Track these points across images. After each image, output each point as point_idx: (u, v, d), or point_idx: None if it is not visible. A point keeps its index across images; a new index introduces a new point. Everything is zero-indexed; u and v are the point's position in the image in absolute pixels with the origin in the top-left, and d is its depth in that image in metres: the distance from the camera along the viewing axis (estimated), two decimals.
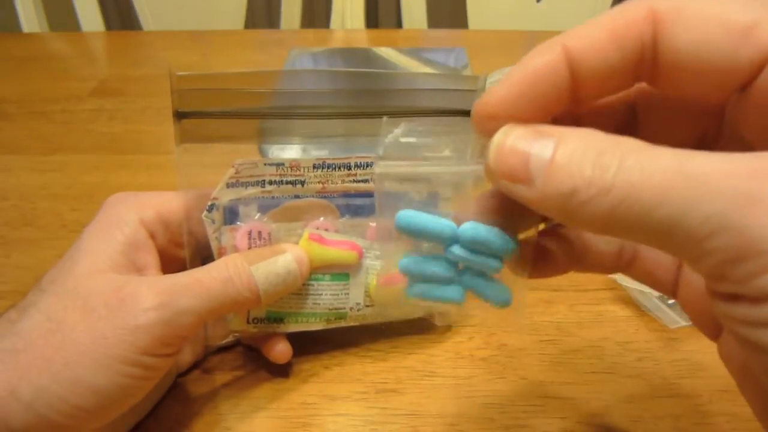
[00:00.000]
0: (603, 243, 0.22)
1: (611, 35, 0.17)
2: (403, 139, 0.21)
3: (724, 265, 0.14)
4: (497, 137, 0.17)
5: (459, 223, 0.20)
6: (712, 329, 0.21)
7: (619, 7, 0.17)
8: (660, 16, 0.16)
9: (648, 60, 0.17)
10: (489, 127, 0.18)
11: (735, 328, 0.15)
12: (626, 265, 0.22)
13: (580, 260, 0.22)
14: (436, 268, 0.20)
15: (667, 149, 0.15)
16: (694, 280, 0.21)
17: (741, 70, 0.16)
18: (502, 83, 0.18)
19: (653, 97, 0.20)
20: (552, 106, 0.18)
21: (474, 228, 0.19)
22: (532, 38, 0.84)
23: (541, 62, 0.18)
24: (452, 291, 0.21)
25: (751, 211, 0.13)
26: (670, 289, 0.22)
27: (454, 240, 0.20)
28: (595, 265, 0.22)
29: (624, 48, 0.17)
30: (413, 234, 0.20)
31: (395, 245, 0.21)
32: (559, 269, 0.22)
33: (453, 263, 0.21)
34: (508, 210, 0.20)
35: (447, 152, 0.21)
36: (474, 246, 0.20)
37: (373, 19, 1.47)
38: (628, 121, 0.21)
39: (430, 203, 0.21)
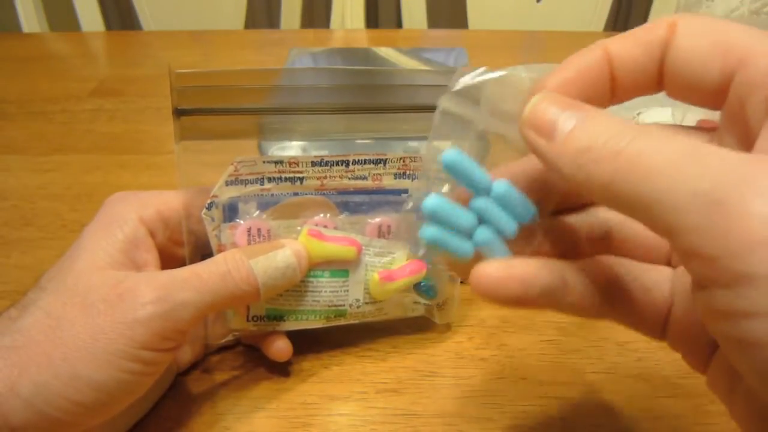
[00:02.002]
0: (582, 284, 0.21)
1: (641, 39, 0.19)
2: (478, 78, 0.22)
3: (698, 244, 0.14)
4: (537, 96, 0.19)
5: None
6: (701, 364, 0.21)
7: (652, 21, 0.20)
8: (677, 26, 0.19)
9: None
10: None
11: (714, 325, 0.16)
12: (617, 308, 0.22)
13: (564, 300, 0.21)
14: (462, 214, 0.21)
15: (683, 136, 0.16)
16: (683, 317, 0.21)
17: (713, 80, 0.18)
18: (552, 76, 0.20)
19: None
20: (593, 102, 0.20)
21: (508, 185, 0.21)
22: (532, 38, 0.84)
23: (586, 61, 0.20)
24: (463, 244, 0.21)
25: (739, 190, 0.14)
26: (659, 331, 0.22)
27: (485, 193, 0.21)
28: (582, 310, 0.21)
29: (650, 52, 0.19)
30: (455, 171, 0.20)
31: (427, 182, 0.22)
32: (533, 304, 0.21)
33: (475, 220, 0.21)
34: (531, 188, 0.21)
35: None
36: (501, 202, 0.20)
37: (373, 19, 1.47)
38: None
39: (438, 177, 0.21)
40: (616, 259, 0.22)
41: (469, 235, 0.21)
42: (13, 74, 0.70)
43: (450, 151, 0.20)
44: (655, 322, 0.22)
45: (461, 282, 0.37)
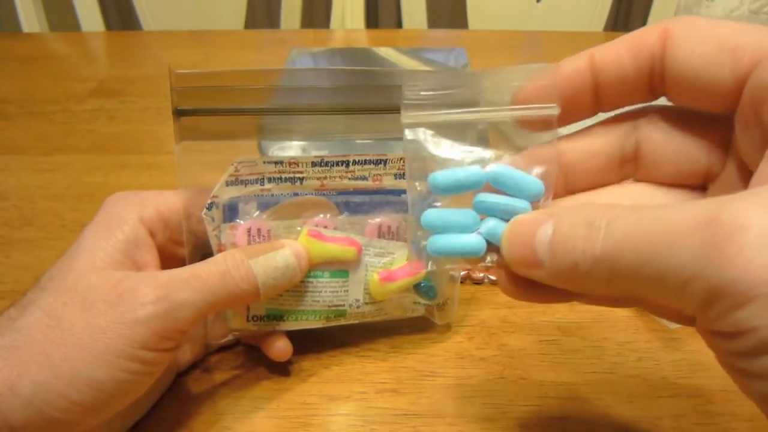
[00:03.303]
0: None
1: (628, 46, 0.20)
2: (423, 93, 0.22)
3: (702, 307, 0.16)
4: (506, 231, 0.20)
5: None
6: None
7: (642, 27, 0.20)
8: (671, 33, 0.19)
9: (658, 72, 0.19)
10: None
11: (724, 360, 0.17)
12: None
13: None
14: (459, 214, 0.21)
15: (650, 207, 0.17)
16: None
17: (724, 83, 0.18)
18: (533, 83, 0.21)
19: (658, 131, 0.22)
20: (578, 106, 0.21)
21: (500, 166, 0.21)
22: (532, 38, 0.84)
23: (571, 68, 0.20)
24: (473, 241, 0.21)
25: (714, 258, 0.15)
26: (689, 318, 0.22)
27: (481, 185, 0.21)
28: (604, 298, 0.22)
29: (638, 58, 0.19)
30: (448, 188, 0.21)
31: (420, 207, 0.22)
32: (562, 297, 0.22)
33: (476, 214, 0.21)
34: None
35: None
36: (502, 185, 0.21)
37: (373, 19, 1.47)
38: None
39: (428, 196, 0.21)
40: None
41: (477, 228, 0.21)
42: (13, 74, 0.70)
43: (435, 175, 0.21)
44: (680, 312, 0.22)
45: (461, 282, 0.37)
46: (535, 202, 0.21)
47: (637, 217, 0.17)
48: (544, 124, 0.21)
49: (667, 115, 0.21)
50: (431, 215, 0.21)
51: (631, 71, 0.20)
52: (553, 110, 0.20)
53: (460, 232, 0.21)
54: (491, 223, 0.21)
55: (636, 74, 0.20)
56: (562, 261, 0.18)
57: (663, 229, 0.16)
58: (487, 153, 0.22)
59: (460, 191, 0.21)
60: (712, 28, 0.18)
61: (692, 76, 0.19)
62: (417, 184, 0.22)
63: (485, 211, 0.21)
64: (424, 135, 0.22)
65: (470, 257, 0.21)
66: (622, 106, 0.22)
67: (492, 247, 0.21)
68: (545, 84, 0.21)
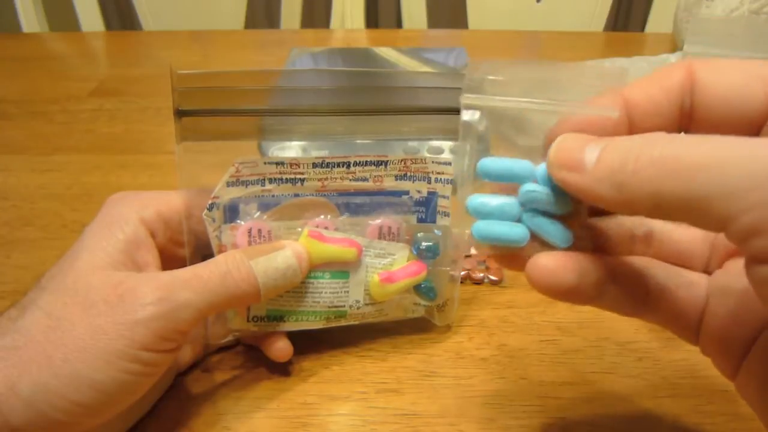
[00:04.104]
0: (631, 279, 0.22)
1: (658, 84, 0.20)
2: (491, 77, 0.22)
3: (760, 221, 0.15)
4: (560, 137, 0.20)
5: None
6: (731, 369, 0.22)
7: (665, 67, 0.21)
8: (695, 68, 0.20)
9: (687, 106, 0.20)
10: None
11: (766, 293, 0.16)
12: (654, 306, 0.22)
13: (608, 296, 0.22)
14: (506, 201, 0.22)
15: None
16: (716, 320, 0.22)
17: (756, 104, 0.19)
18: (570, 120, 0.21)
19: None
20: None
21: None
22: (532, 38, 0.84)
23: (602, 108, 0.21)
24: (517, 230, 0.21)
25: None
26: (693, 332, 0.23)
27: (530, 179, 0.21)
28: (624, 306, 0.22)
29: (669, 93, 0.20)
30: (496, 175, 0.21)
31: (467, 188, 0.22)
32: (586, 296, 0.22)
33: (518, 204, 0.22)
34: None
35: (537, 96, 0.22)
36: (549, 183, 0.21)
37: (373, 19, 1.47)
38: None
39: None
40: (654, 260, 0.23)
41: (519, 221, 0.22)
42: (13, 74, 0.70)
43: (484, 161, 0.21)
44: (689, 323, 0.22)
45: (461, 283, 0.37)
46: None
47: (700, 137, 0.16)
48: (599, 129, 0.21)
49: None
50: (477, 198, 0.22)
51: (664, 105, 0.20)
52: (613, 113, 0.21)
53: (502, 219, 0.21)
54: (539, 219, 0.21)
55: (668, 109, 0.20)
56: (610, 161, 0.18)
57: (727, 143, 0.16)
58: (538, 142, 0.22)
59: (507, 181, 0.22)
60: (734, 62, 0.20)
61: (723, 105, 0.19)
62: (466, 165, 0.22)
63: (530, 202, 0.21)
64: (480, 117, 0.22)
65: (514, 245, 0.22)
66: None
67: (534, 237, 0.22)
68: (578, 122, 0.21)
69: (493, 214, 0.21)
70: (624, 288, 0.22)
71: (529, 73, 0.23)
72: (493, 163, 0.22)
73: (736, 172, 0.15)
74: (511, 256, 0.22)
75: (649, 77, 0.21)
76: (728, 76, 0.19)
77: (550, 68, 0.23)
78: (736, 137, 0.16)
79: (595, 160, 0.18)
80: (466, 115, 0.22)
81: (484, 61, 0.23)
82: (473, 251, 0.23)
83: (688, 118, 0.21)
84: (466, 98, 0.22)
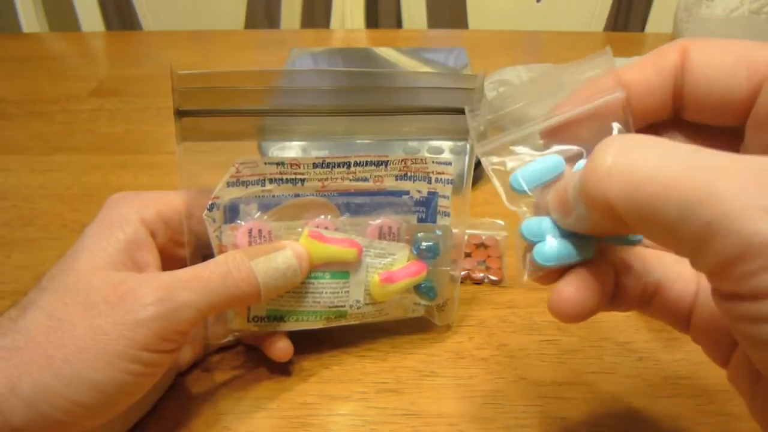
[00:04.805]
0: (630, 280, 0.22)
1: (652, 64, 0.21)
2: (489, 117, 0.23)
3: (724, 265, 0.15)
4: (554, 187, 0.21)
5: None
6: (722, 357, 0.22)
7: (661, 47, 0.21)
8: (689, 47, 0.20)
9: (679, 86, 0.20)
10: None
11: (736, 325, 0.16)
12: (648, 300, 0.23)
13: (611, 299, 0.22)
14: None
15: (683, 145, 0.16)
16: (705, 311, 0.22)
17: (740, 92, 0.19)
18: (566, 101, 0.22)
19: None
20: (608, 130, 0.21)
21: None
22: (532, 38, 0.84)
23: (598, 89, 0.21)
24: (582, 243, 0.21)
25: (750, 215, 0.14)
26: (684, 323, 0.23)
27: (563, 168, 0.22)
28: (623, 303, 0.23)
29: (662, 73, 0.20)
30: (531, 182, 0.21)
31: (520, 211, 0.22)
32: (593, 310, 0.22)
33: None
34: None
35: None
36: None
37: (373, 19, 1.47)
38: None
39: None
40: (649, 253, 0.23)
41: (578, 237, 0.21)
42: (13, 74, 0.70)
43: (515, 176, 0.21)
44: (680, 314, 0.22)
45: (461, 282, 0.37)
46: None
47: (672, 147, 0.16)
48: (610, 113, 0.21)
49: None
50: (532, 222, 0.21)
51: (657, 86, 0.21)
52: (621, 93, 0.21)
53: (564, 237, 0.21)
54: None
55: (661, 89, 0.21)
56: (591, 195, 0.17)
57: (697, 170, 0.15)
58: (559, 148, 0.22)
59: (543, 181, 0.21)
60: (728, 43, 0.20)
61: (711, 88, 0.19)
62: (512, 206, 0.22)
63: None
64: (500, 158, 0.22)
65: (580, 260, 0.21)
66: (647, 123, 0.22)
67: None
68: (601, 80, 0.21)
69: (556, 229, 0.21)
70: (624, 290, 0.22)
71: (532, 90, 0.23)
72: (522, 174, 0.21)
73: (670, 208, 0.15)
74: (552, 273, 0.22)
75: (644, 58, 0.21)
76: (719, 58, 0.19)
77: (549, 75, 0.23)
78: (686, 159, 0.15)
79: (578, 193, 0.18)
80: (486, 162, 0.22)
81: (481, 107, 0.23)
82: (526, 278, 0.22)
83: (681, 98, 0.21)
84: (480, 147, 0.23)
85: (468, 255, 0.39)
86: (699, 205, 0.14)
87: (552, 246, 0.21)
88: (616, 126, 0.21)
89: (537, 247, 0.21)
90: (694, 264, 0.16)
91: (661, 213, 0.15)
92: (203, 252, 0.29)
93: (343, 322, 0.31)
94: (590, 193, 0.17)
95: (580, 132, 0.22)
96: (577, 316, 0.20)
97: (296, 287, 0.29)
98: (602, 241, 0.21)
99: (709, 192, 0.14)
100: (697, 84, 0.20)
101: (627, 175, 0.16)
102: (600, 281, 0.21)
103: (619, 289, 0.22)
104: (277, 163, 0.29)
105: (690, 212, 0.15)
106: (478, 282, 0.38)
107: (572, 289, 0.20)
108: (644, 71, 0.21)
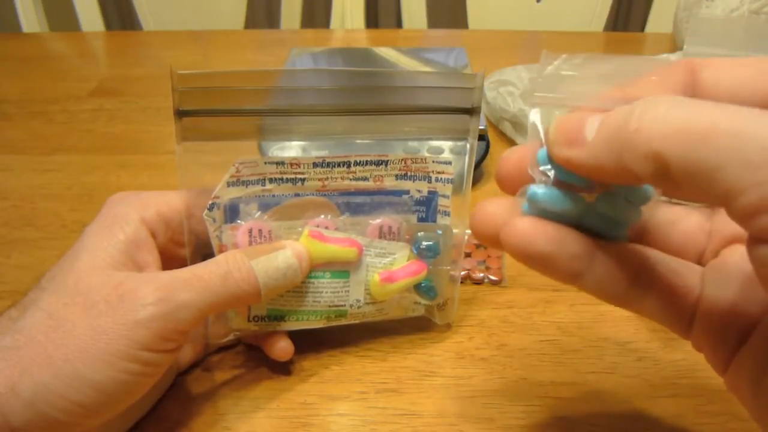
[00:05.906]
0: (611, 263, 0.21)
1: (661, 83, 0.20)
2: (564, 72, 0.21)
3: (761, 209, 0.14)
4: (559, 117, 0.19)
5: None
6: (722, 363, 0.21)
7: (663, 67, 0.20)
8: (697, 68, 0.20)
9: None
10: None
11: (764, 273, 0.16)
12: (643, 292, 0.22)
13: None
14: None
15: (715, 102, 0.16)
16: (711, 310, 0.21)
17: (760, 92, 0.18)
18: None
19: None
20: None
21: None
22: (532, 38, 0.84)
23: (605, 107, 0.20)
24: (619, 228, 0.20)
25: None
26: (685, 324, 0.22)
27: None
28: (601, 288, 0.21)
29: (670, 90, 0.19)
30: (545, 212, 0.20)
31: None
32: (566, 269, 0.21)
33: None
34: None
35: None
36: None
37: (373, 19, 1.47)
38: None
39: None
40: (646, 247, 0.22)
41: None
42: (13, 74, 0.70)
43: (537, 192, 0.20)
44: (682, 314, 0.22)
45: (461, 282, 0.37)
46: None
47: (711, 102, 0.15)
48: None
49: None
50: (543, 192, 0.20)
51: None
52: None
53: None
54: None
55: None
56: (611, 121, 0.17)
57: (742, 110, 0.15)
58: None
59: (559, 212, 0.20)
60: (732, 59, 0.19)
61: (730, 100, 0.19)
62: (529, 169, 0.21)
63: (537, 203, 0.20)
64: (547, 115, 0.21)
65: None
66: None
67: None
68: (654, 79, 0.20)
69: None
70: (610, 271, 0.20)
71: (596, 68, 0.22)
72: (543, 197, 0.20)
73: (754, 143, 0.14)
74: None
75: (648, 78, 0.20)
76: (732, 72, 0.19)
77: (617, 62, 0.22)
78: (754, 109, 0.15)
79: (596, 126, 0.17)
80: (533, 116, 0.21)
81: (557, 56, 0.22)
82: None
83: None
84: (533, 97, 0.21)
85: (468, 255, 0.39)
86: (744, 144, 0.14)
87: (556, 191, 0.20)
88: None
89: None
90: (732, 208, 0.15)
91: (709, 156, 0.15)
92: (203, 252, 0.29)
93: (344, 322, 0.31)
94: (641, 136, 0.16)
95: None
96: (525, 255, 0.19)
97: (296, 287, 0.29)
98: (610, 193, 0.20)
99: (752, 135, 0.14)
100: (717, 99, 0.20)
101: (679, 121, 0.15)
102: (566, 235, 0.19)
103: (604, 268, 0.21)
104: (277, 163, 0.29)
105: (735, 153, 0.14)
106: (478, 282, 0.38)
107: (527, 223, 0.19)
108: (651, 89, 0.20)
